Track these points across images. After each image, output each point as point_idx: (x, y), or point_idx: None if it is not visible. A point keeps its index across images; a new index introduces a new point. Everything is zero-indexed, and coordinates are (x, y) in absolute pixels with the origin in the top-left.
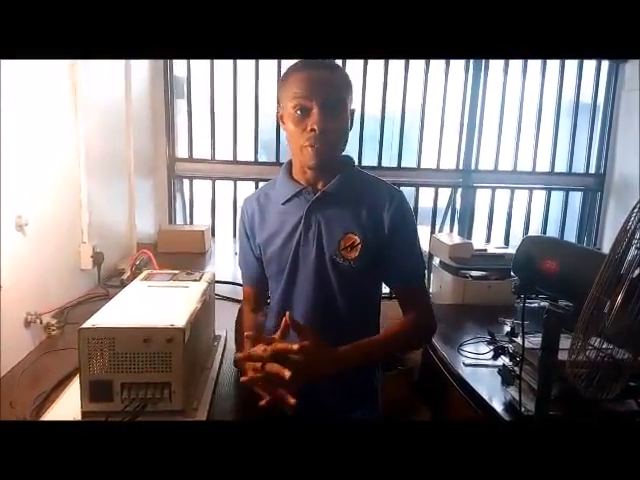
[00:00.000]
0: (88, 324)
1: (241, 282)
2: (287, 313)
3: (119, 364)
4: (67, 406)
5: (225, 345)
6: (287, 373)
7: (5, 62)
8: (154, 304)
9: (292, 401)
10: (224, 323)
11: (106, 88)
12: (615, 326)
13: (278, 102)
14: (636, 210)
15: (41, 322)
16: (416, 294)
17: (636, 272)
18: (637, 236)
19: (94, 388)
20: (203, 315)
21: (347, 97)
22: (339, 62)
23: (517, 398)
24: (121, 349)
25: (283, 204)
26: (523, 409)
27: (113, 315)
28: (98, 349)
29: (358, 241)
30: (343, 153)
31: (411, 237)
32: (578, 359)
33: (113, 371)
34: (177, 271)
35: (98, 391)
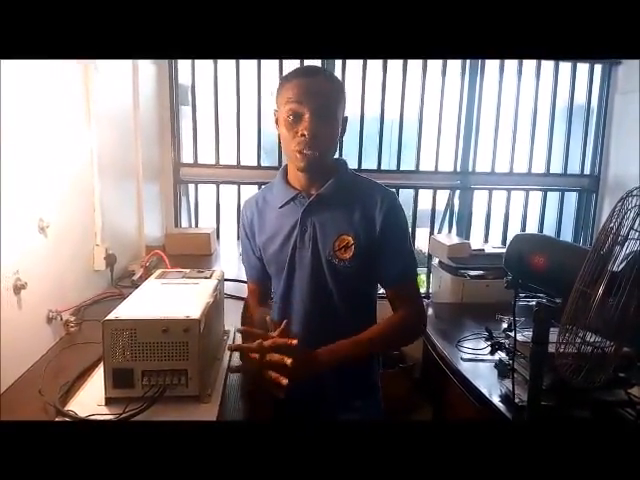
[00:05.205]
0: (111, 316)
1: (246, 280)
2: (285, 322)
3: (140, 353)
4: (92, 393)
5: (234, 339)
6: (288, 360)
7: (24, 69)
8: (170, 299)
9: (285, 381)
10: (232, 320)
11: (114, 96)
12: (598, 318)
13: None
14: (617, 209)
15: (61, 319)
16: (406, 292)
17: (620, 266)
18: (620, 233)
19: (117, 375)
20: (215, 309)
21: (339, 106)
22: (339, 62)
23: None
24: (142, 339)
25: (280, 208)
26: (517, 400)
27: (133, 308)
28: (120, 339)
29: (352, 242)
30: (337, 157)
31: (402, 236)
32: (566, 351)
33: (134, 359)
34: (188, 270)
35: (120, 378)
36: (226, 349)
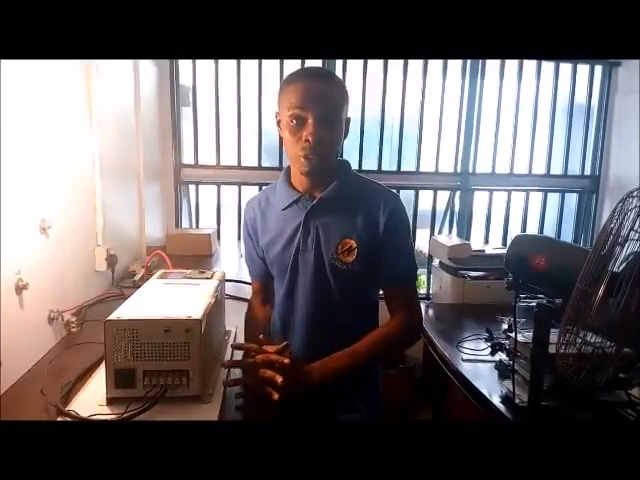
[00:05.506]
0: (113, 316)
1: (246, 280)
2: (284, 343)
3: (141, 353)
4: (93, 393)
5: (235, 340)
6: (279, 378)
7: (25, 70)
8: (171, 299)
9: (276, 396)
10: (232, 320)
11: (115, 97)
12: (599, 318)
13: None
14: (617, 209)
15: (63, 319)
16: (404, 295)
17: (620, 267)
18: (621, 233)
19: (118, 376)
20: (216, 310)
21: (342, 108)
22: (340, 64)
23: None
24: (143, 339)
25: (283, 210)
26: (517, 400)
27: (135, 309)
28: (122, 339)
29: (355, 245)
30: (338, 158)
31: (403, 238)
32: (566, 351)
33: (136, 360)
34: (190, 270)
35: (122, 378)
36: (227, 350)
